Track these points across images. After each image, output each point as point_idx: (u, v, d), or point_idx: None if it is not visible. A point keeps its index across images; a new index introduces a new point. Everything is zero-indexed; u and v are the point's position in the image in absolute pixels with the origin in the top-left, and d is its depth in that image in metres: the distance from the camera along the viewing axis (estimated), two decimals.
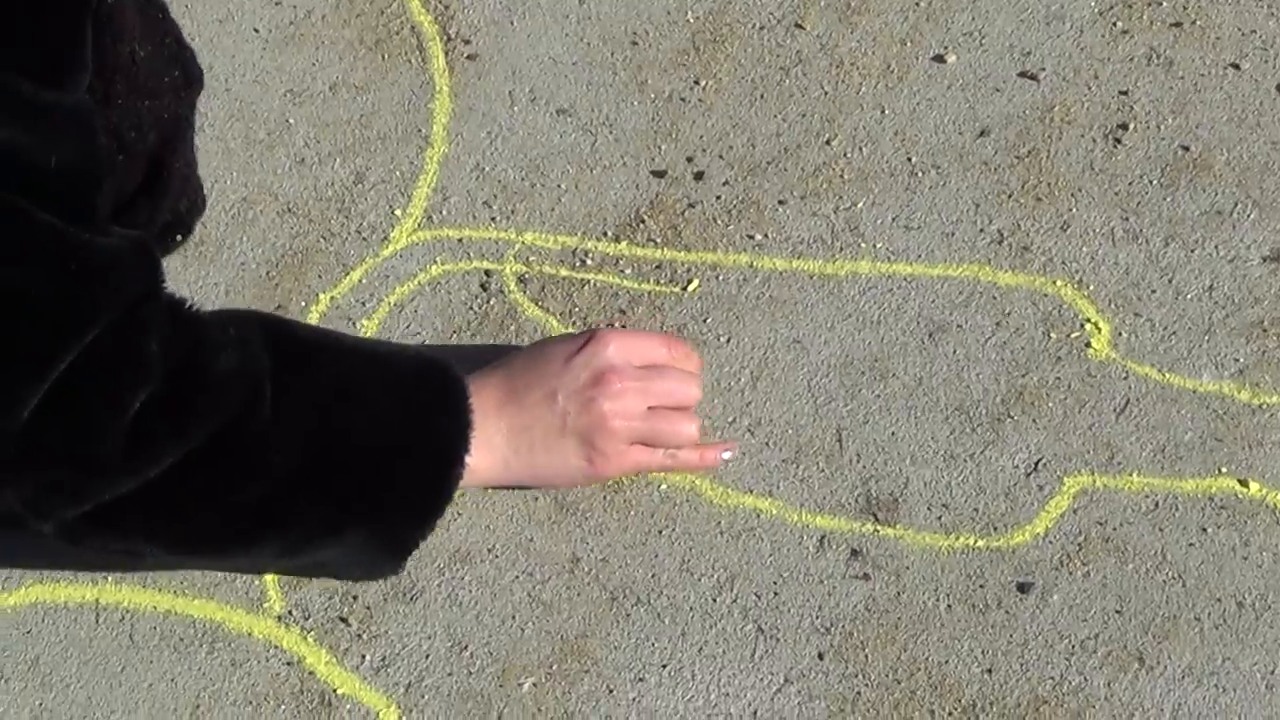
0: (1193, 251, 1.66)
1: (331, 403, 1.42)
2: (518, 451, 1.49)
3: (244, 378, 1.38)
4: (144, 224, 1.58)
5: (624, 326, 1.63)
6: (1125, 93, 1.77)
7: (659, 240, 1.69)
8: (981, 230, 1.68)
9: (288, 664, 1.47)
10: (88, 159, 1.32)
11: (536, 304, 1.66)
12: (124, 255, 1.34)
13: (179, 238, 1.68)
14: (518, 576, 1.50)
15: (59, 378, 1.29)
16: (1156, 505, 1.52)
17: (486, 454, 1.47)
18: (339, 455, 1.41)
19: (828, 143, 1.75)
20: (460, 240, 1.71)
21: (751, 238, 1.69)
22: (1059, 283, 1.65)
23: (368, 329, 1.65)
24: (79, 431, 1.31)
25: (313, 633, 1.48)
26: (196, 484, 1.37)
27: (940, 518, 1.52)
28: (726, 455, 1.55)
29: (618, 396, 1.49)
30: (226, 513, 1.40)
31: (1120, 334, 1.61)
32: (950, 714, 1.42)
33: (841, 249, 1.68)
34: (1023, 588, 1.48)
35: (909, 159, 1.74)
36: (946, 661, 1.45)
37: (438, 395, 1.46)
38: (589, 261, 1.68)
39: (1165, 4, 1.82)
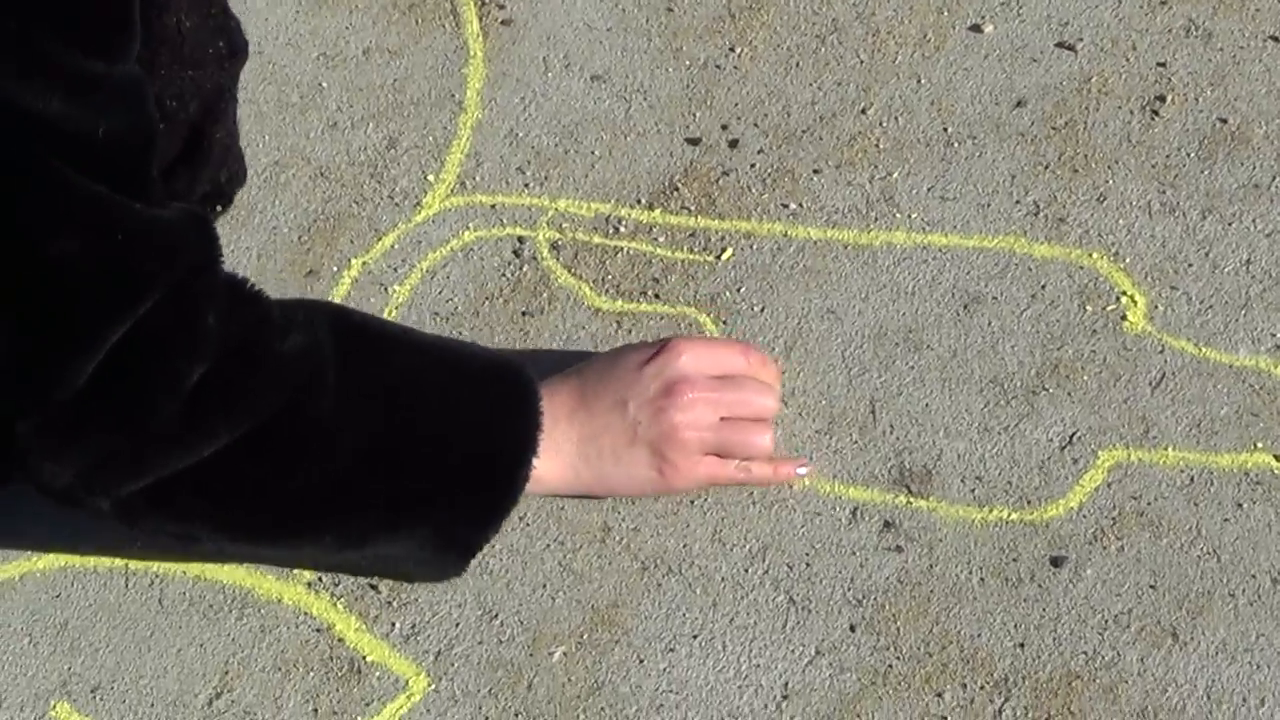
0: (1230, 225, 1.65)
1: (398, 396, 1.40)
2: (586, 460, 1.47)
3: (306, 362, 1.37)
4: (183, 193, 1.57)
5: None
6: (1163, 64, 1.76)
7: (693, 208, 1.69)
8: (1017, 201, 1.67)
9: (317, 630, 1.47)
10: (137, 130, 1.31)
11: (569, 271, 1.65)
12: (177, 227, 1.33)
13: (218, 209, 1.67)
14: (549, 545, 1.50)
15: (112, 349, 1.29)
16: (1192, 480, 1.51)
17: (555, 460, 1.46)
18: (403, 449, 1.40)
19: (863, 112, 1.74)
20: (493, 206, 1.70)
21: (786, 206, 1.68)
22: (1095, 255, 1.64)
23: (400, 295, 1.64)
24: (132, 401, 1.31)
25: (342, 599, 1.48)
26: (253, 465, 1.36)
27: (974, 490, 1.51)
28: (802, 471, 1.52)
29: (688, 407, 1.47)
30: (283, 498, 1.38)
31: (1156, 307, 1.60)
32: (982, 688, 1.41)
33: (877, 219, 1.67)
34: (1056, 562, 1.47)
35: (945, 129, 1.72)
36: (979, 635, 1.44)
37: (508, 396, 1.45)
38: (622, 229, 1.68)
39: None
